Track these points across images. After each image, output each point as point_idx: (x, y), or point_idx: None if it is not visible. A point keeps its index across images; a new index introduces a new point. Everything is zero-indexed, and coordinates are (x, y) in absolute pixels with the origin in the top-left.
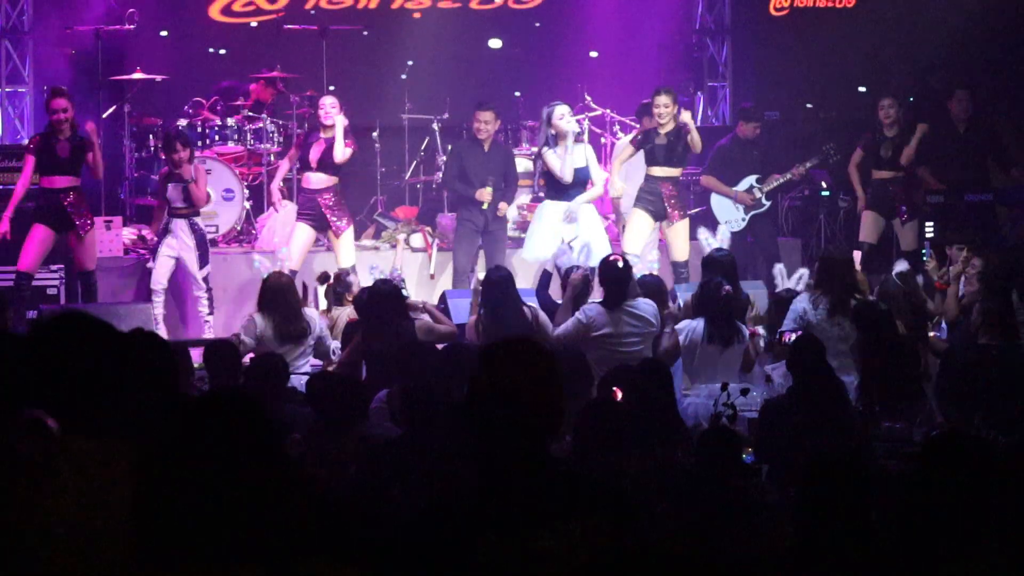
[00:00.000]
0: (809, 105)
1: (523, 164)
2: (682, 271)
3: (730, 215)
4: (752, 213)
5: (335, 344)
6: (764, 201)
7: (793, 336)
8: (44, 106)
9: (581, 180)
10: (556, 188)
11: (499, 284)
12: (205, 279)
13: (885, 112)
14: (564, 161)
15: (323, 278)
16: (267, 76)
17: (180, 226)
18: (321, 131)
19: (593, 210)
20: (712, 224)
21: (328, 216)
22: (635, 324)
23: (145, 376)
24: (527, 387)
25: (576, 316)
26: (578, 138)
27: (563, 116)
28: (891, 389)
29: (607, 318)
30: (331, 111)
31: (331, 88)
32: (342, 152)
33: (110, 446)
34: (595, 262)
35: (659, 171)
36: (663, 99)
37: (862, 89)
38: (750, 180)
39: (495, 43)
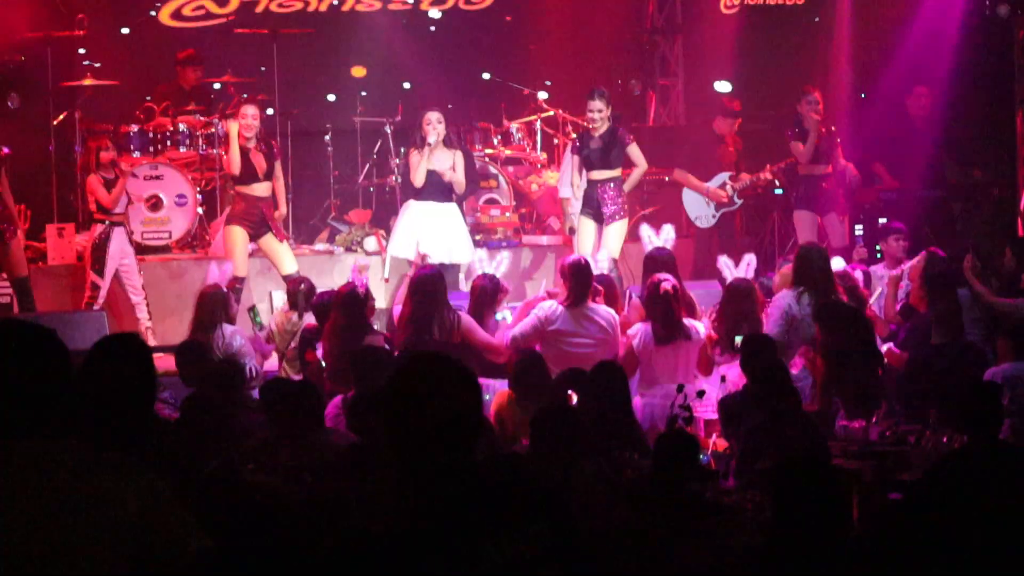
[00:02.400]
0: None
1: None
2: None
3: (700, 211)
4: (723, 211)
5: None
6: (736, 199)
7: (739, 339)
8: None
9: (438, 183)
10: (412, 189)
11: (427, 280)
12: (143, 286)
13: (810, 103)
14: (419, 165)
15: (293, 285)
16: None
17: (120, 232)
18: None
19: (458, 213)
20: (671, 220)
21: (270, 222)
22: (591, 328)
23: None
24: (438, 399)
25: (534, 314)
26: (449, 143)
27: (430, 122)
28: (853, 388)
29: (564, 316)
30: (252, 124)
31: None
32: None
33: (54, 447)
34: (457, 259)
35: (596, 174)
36: (596, 103)
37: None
38: (723, 177)
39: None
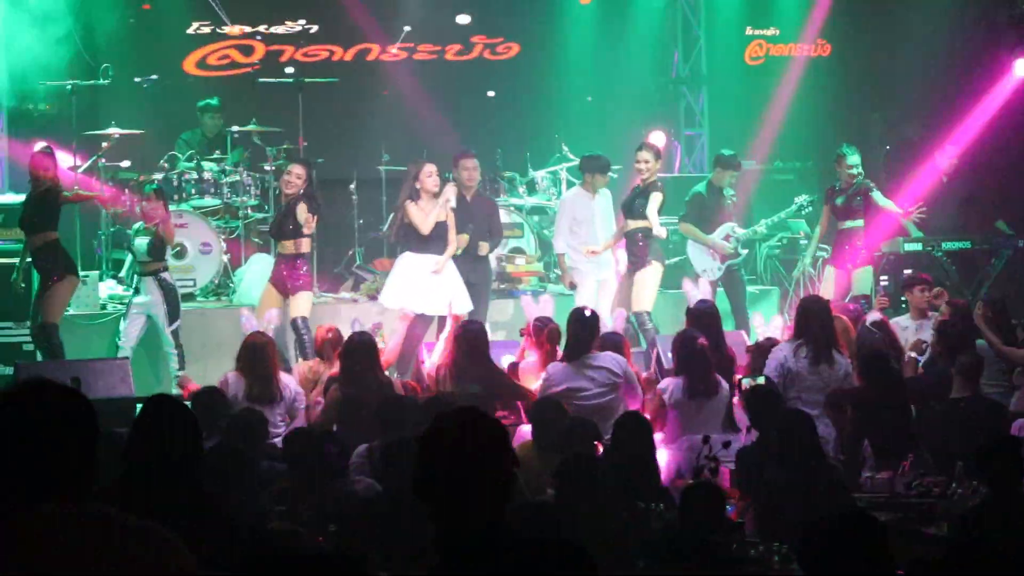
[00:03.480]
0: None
1: (505, 216)
2: (644, 321)
3: (706, 264)
4: (728, 263)
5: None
6: (740, 251)
7: (749, 382)
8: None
9: (441, 235)
10: (416, 241)
11: (476, 336)
12: (174, 334)
13: (841, 162)
14: (427, 215)
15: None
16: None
17: (148, 281)
18: (283, 198)
19: (453, 266)
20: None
21: (287, 280)
22: (594, 376)
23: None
24: (472, 460)
25: (541, 386)
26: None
27: (431, 174)
28: (884, 440)
29: (564, 374)
30: (295, 181)
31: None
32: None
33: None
34: (457, 310)
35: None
36: (645, 154)
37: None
38: (726, 228)
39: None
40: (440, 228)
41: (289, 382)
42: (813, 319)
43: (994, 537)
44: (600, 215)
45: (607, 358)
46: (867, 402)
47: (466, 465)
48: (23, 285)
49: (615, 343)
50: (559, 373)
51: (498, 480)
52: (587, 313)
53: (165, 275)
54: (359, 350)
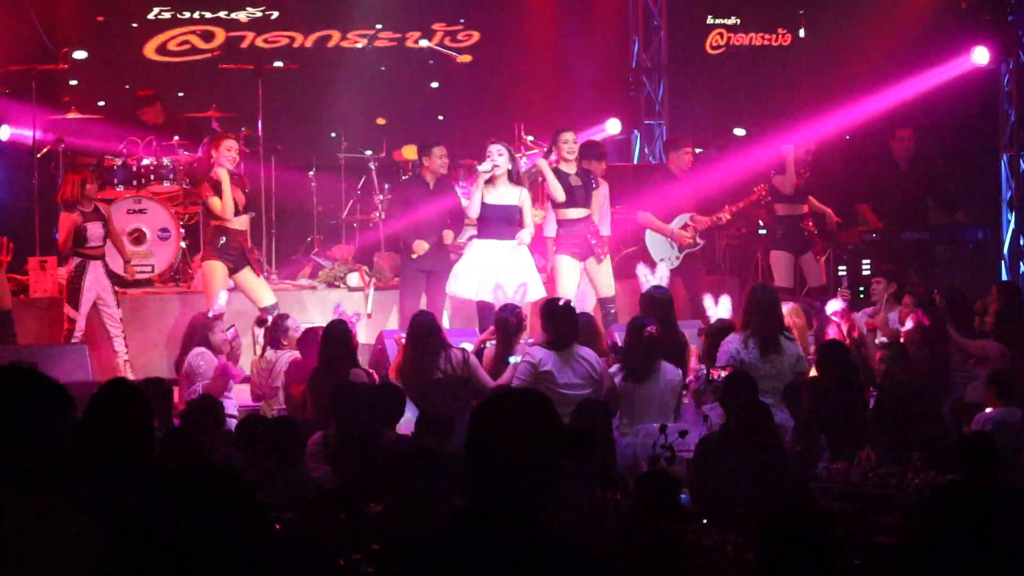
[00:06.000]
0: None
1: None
2: (610, 307)
3: (665, 252)
4: (686, 251)
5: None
6: (698, 240)
7: (724, 373)
8: None
9: (504, 217)
10: (480, 226)
11: (422, 328)
12: (121, 319)
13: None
14: (473, 197)
15: (261, 321)
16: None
17: (96, 266)
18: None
19: (527, 251)
20: (648, 261)
21: (249, 256)
22: (579, 370)
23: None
24: (515, 447)
25: (525, 359)
26: (515, 179)
27: (490, 154)
28: (840, 429)
29: (553, 358)
30: (231, 155)
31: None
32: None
33: (44, 503)
34: (530, 301)
35: (575, 212)
36: (571, 135)
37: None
38: (684, 218)
39: (424, 42)
40: (496, 211)
41: (195, 358)
42: (761, 307)
43: (950, 528)
44: (597, 203)
45: (589, 354)
46: (822, 392)
47: (509, 447)
48: None
49: (590, 324)
50: (548, 357)
51: (538, 472)
52: (564, 305)
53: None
54: (335, 339)
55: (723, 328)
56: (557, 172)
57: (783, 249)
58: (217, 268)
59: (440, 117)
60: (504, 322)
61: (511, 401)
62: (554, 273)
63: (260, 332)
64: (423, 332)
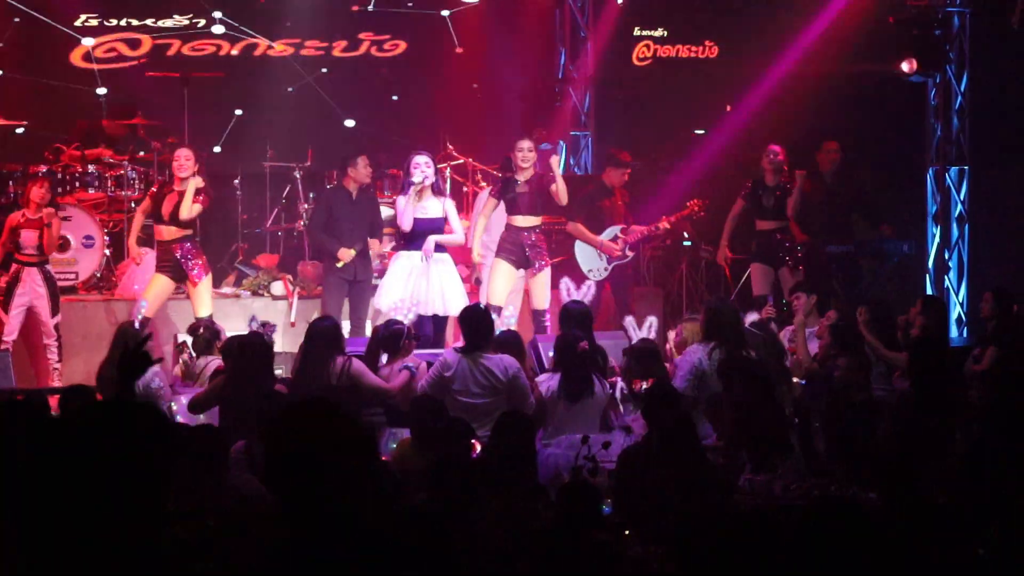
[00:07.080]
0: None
1: (385, 212)
2: (542, 319)
3: (593, 264)
4: (615, 263)
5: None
6: (628, 252)
7: (645, 384)
8: None
9: (429, 231)
10: (404, 237)
11: (317, 335)
12: (56, 327)
13: (771, 159)
14: (405, 210)
15: (193, 328)
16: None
17: (31, 274)
18: (176, 183)
19: (451, 263)
20: (576, 272)
21: (184, 266)
22: (480, 377)
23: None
24: (319, 452)
25: (436, 366)
26: (437, 190)
27: (418, 165)
28: (760, 443)
29: (459, 365)
30: (185, 164)
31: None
32: (188, 209)
33: None
34: (452, 312)
35: (522, 220)
36: (527, 143)
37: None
38: (615, 230)
39: (350, 123)
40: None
41: (154, 375)
42: (722, 320)
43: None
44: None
45: (498, 362)
46: (741, 406)
47: (317, 456)
48: None
49: (514, 342)
50: (456, 362)
51: (345, 473)
52: (480, 310)
53: (48, 267)
54: (247, 351)
55: (646, 348)
56: (509, 180)
57: (760, 262)
58: (157, 280)
59: (353, 124)
60: (375, 334)
61: (296, 411)
62: (490, 273)
63: (190, 339)
64: (320, 340)
